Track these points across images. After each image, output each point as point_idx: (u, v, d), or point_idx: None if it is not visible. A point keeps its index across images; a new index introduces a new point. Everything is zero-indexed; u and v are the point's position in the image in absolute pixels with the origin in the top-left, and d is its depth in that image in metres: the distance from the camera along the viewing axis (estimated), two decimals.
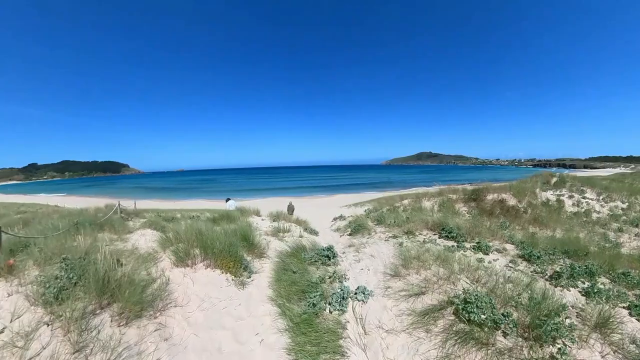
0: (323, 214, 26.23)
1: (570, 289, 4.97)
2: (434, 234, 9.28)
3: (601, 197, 20.64)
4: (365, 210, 18.99)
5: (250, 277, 5.39)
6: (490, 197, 19.42)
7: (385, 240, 8.70)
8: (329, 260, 5.85)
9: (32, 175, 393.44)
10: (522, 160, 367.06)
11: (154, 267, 5.29)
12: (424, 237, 8.93)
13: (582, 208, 19.05)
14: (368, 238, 9.33)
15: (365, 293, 4.58)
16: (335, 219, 17.82)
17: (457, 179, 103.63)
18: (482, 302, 3.94)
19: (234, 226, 9.10)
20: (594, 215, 18.11)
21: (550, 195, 21.51)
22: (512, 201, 19.46)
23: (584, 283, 5.10)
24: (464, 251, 7.24)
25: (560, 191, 21.81)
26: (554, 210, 19.01)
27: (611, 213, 18.17)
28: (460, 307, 4.00)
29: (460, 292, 4.45)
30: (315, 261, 5.80)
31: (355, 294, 4.56)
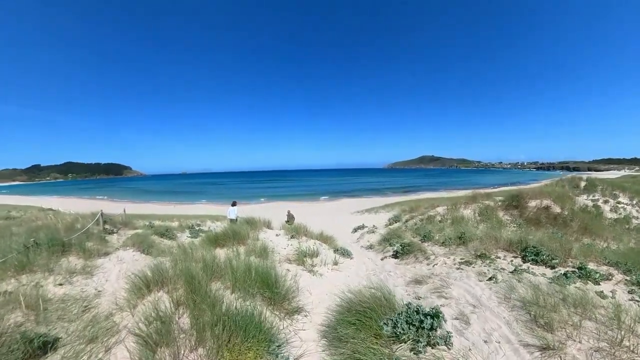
0: (335, 222, 23.70)
1: None
2: (514, 256, 6.91)
3: (634, 202, 19.10)
4: (388, 220, 16.47)
5: None
6: (533, 203, 16.99)
7: (457, 268, 6.29)
8: (434, 331, 3.18)
9: (35, 176, 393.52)
10: (525, 163, 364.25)
11: None
12: (504, 261, 6.60)
13: (620, 214, 17.35)
14: (428, 264, 6.85)
15: None
16: (356, 229, 15.35)
17: (466, 181, 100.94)
18: None
19: (243, 250, 6.62)
20: (634, 222, 16.39)
21: (585, 200, 19.57)
22: (556, 208, 17.06)
23: None
24: (574, 282, 5.11)
25: (593, 196, 20.12)
26: (595, 217, 16.89)
27: None
28: None
29: None
30: (415, 341, 3.13)
31: None
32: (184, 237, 13.92)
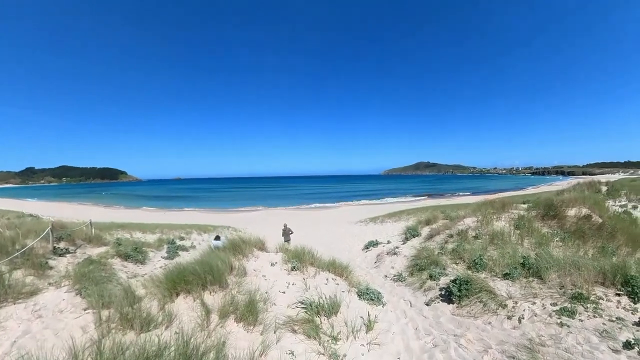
0: (339, 234, 21.22)
1: None
2: (616, 294, 4.93)
3: None
4: (404, 233, 13.98)
5: None
6: (571, 212, 14.66)
7: (559, 324, 4.18)
8: None
9: (29, 179, 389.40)
10: (520, 169, 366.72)
11: None
12: (610, 303, 4.68)
13: None
14: (508, 317, 4.46)
15: None
16: (368, 246, 12.82)
17: (466, 188, 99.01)
18: None
19: (219, 303, 4.07)
20: None
21: (613, 206, 17.61)
22: (597, 217, 14.79)
23: None
24: None
25: (619, 201, 19.07)
26: (630, 225, 14.84)
27: None
28: None
29: None
30: None
31: None
32: (158, 258, 11.31)
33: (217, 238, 12.14)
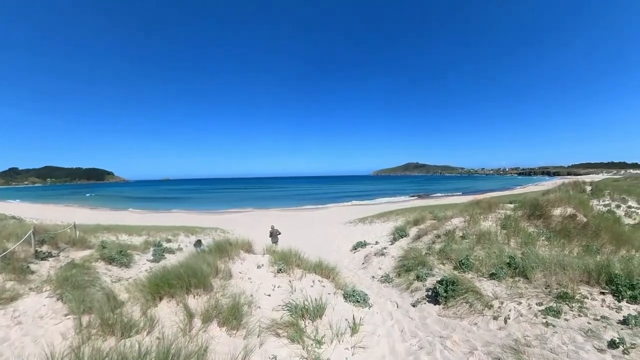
0: (328, 236, 21.20)
1: None
2: (601, 292, 5.00)
3: None
4: (392, 234, 14.02)
5: None
6: (557, 212, 14.91)
7: (544, 324, 4.21)
8: None
9: (12, 180, 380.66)
10: (507, 169, 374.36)
11: None
12: (595, 302, 4.73)
13: (634, 219, 16.15)
14: (494, 317, 4.55)
15: None
16: (356, 247, 12.84)
17: (455, 188, 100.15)
18: None
19: (202, 307, 4.00)
20: None
21: (597, 205, 17.98)
22: (582, 217, 15.10)
23: None
24: None
25: (603, 200, 19.29)
26: (614, 224, 15.27)
27: None
28: None
29: None
30: None
31: None
32: (144, 261, 11.14)
33: (198, 243, 11.75)
